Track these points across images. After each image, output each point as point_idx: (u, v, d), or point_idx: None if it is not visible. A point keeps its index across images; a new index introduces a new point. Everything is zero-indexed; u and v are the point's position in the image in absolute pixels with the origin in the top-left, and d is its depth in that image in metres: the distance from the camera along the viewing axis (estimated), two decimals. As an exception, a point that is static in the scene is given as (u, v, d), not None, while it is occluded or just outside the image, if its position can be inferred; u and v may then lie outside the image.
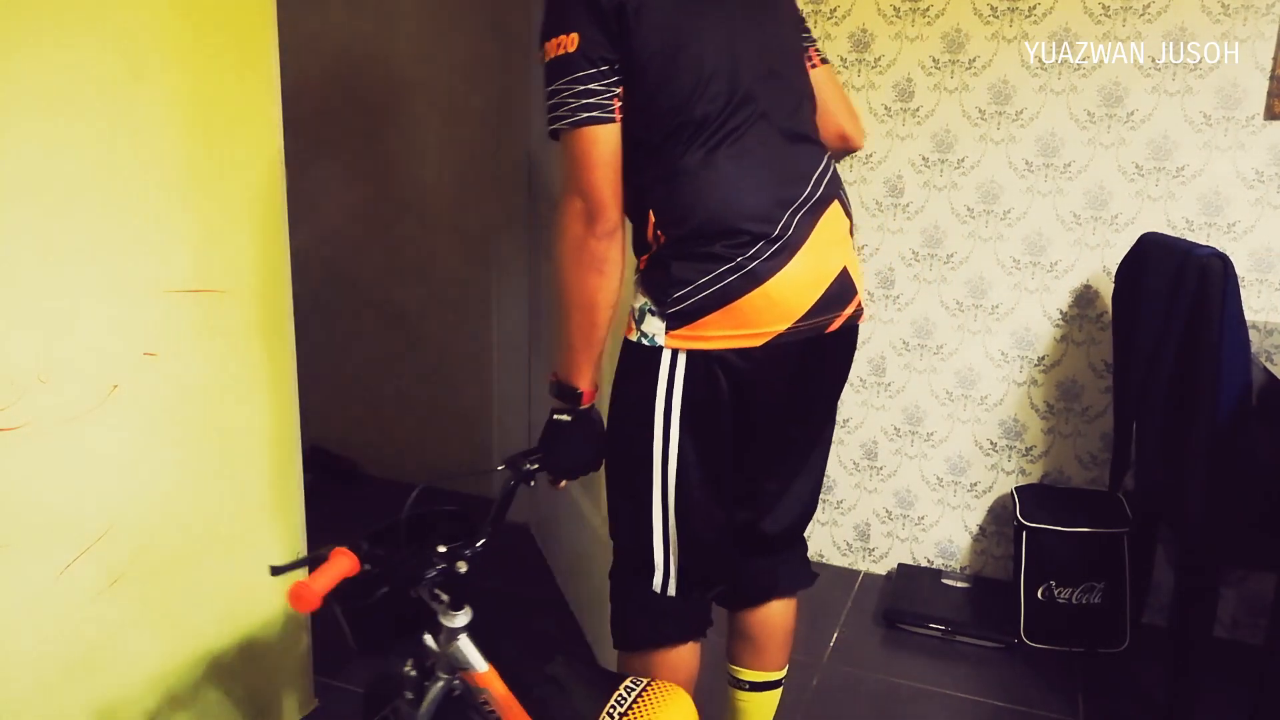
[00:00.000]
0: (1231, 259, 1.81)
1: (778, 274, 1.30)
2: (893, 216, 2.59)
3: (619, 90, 1.27)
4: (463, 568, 1.26)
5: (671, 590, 1.42)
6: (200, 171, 1.59)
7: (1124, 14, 2.29)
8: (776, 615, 1.60)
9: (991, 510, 2.65)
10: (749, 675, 1.63)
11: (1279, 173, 2.24)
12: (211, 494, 1.70)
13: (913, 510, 2.72)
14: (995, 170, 2.47)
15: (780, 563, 1.58)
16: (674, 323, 1.31)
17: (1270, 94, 2.20)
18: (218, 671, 1.76)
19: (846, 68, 2.55)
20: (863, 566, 2.82)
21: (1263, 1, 2.18)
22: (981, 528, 2.66)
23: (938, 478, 2.68)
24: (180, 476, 1.63)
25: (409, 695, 1.38)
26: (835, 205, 1.39)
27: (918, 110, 2.51)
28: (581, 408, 1.37)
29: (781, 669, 1.66)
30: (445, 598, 1.29)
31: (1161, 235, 2.12)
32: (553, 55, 1.26)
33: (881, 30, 2.51)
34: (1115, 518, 2.35)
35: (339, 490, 3.26)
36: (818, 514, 2.81)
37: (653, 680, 1.30)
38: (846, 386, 2.69)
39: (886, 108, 2.54)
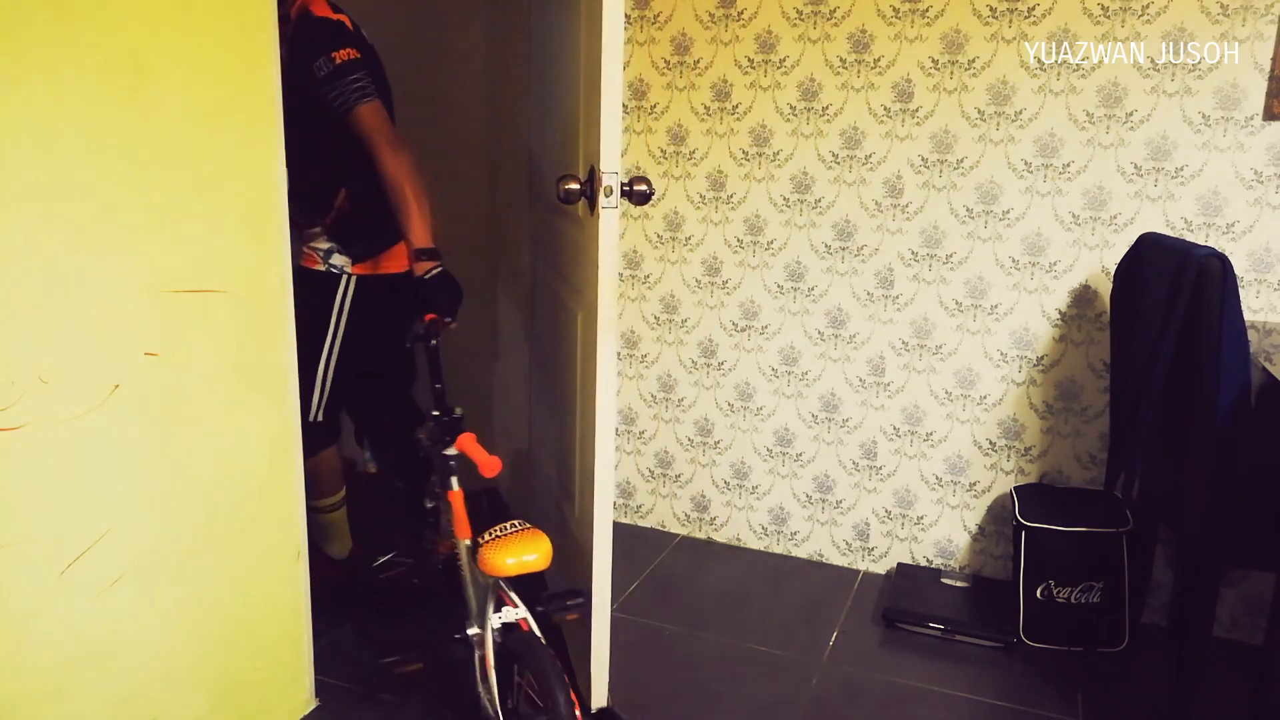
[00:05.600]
0: (1230, 259, 1.81)
1: None
2: (892, 217, 2.59)
3: None
4: (458, 411, 1.93)
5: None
6: (201, 171, 1.60)
7: (1123, 14, 2.29)
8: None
9: (991, 510, 2.65)
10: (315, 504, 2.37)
11: (1278, 173, 2.24)
12: (211, 493, 1.70)
13: (912, 510, 2.73)
14: (994, 171, 2.47)
15: None
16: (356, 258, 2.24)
17: (1269, 94, 2.21)
18: (217, 671, 1.76)
19: (846, 68, 2.56)
20: (862, 566, 2.82)
21: (1262, 2, 2.18)
22: (981, 527, 2.67)
23: (937, 477, 2.68)
24: (180, 476, 1.63)
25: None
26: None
27: (917, 111, 2.51)
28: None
29: (334, 493, 2.54)
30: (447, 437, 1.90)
31: (1160, 235, 2.13)
32: (344, 60, 2.01)
33: (881, 31, 2.51)
34: (1115, 517, 2.35)
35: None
36: (816, 513, 2.82)
37: (526, 525, 1.74)
38: (845, 386, 2.72)
39: (886, 108, 2.54)
